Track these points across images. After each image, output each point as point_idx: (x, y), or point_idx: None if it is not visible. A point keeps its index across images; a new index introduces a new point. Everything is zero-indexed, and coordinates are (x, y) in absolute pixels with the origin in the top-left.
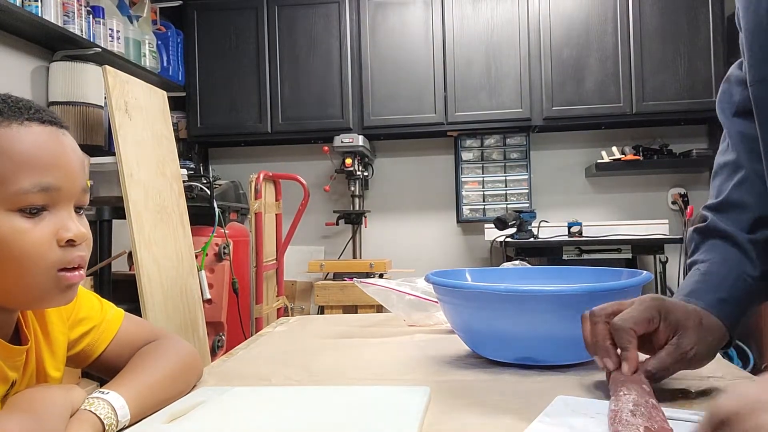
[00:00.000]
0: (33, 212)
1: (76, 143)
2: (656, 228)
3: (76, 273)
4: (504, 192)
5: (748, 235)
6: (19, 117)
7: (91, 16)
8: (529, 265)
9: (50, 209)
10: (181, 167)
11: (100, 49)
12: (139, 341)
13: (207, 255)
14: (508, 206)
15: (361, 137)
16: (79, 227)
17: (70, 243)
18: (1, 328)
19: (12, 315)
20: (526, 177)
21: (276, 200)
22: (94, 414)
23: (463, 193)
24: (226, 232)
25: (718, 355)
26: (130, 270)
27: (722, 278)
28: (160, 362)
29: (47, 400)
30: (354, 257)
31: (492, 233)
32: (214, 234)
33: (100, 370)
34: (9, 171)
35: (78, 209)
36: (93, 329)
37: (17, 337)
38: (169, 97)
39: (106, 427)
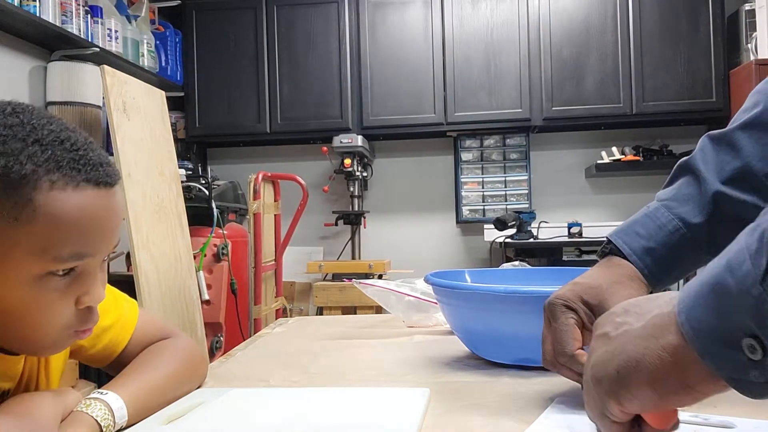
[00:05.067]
0: (62, 273)
1: (120, 196)
2: None
3: (86, 334)
4: (503, 192)
5: (723, 185)
6: (74, 178)
7: (89, 15)
8: (528, 266)
9: (80, 267)
10: (180, 167)
11: (98, 49)
12: (151, 340)
13: (205, 255)
14: (508, 207)
15: (360, 137)
16: (100, 293)
17: (88, 308)
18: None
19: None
20: (526, 177)
21: (275, 201)
22: (90, 416)
23: (463, 193)
24: (225, 232)
25: None
26: (128, 270)
27: (659, 226)
28: (163, 363)
29: (37, 403)
30: (353, 258)
31: (491, 234)
32: (213, 234)
33: (118, 371)
34: (53, 239)
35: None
36: (111, 326)
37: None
38: (167, 97)
39: (103, 429)
